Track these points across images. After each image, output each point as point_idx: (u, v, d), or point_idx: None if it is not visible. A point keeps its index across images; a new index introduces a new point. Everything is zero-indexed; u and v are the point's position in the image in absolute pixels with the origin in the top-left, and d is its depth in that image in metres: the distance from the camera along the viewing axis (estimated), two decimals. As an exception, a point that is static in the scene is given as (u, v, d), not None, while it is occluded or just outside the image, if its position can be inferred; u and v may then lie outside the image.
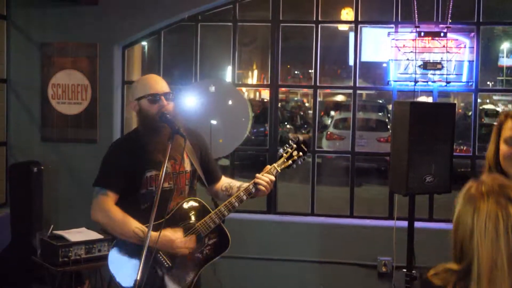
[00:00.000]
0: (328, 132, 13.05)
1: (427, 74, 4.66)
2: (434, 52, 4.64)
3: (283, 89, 22.92)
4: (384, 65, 4.98)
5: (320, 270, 4.92)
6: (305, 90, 23.76)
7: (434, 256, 4.49)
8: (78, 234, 4.06)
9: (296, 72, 25.11)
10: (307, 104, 21.51)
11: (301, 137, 3.03)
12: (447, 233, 5.10)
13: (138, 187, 2.81)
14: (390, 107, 13.61)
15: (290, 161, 2.94)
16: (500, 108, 18.34)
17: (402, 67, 4.75)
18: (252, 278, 4.95)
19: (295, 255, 4.92)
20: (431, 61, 4.61)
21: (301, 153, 2.95)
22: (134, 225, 2.69)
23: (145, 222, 2.68)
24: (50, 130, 5.08)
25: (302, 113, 18.92)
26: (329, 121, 15.01)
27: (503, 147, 2.28)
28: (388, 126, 12.24)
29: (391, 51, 4.76)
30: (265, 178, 2.85)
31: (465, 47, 4.69)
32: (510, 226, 1.55)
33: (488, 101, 21.13)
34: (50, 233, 4.14)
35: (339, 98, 23.88)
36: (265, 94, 17.90)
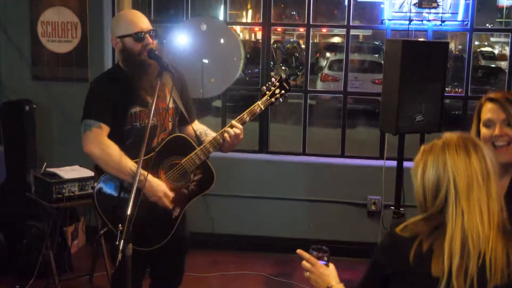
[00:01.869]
0: (323, 74, 12.99)
1: (422, 13, 4.61)
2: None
3: (279, 30, 22.68)
4: (382, 6, 4.91)
5: (310, 208, 5.01)
6: (301, 31, 23.59)
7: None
8: (71, 172, 4.11)
9: (292, 12, 24.73)
10: (303, 46, 21.26)
11: (283, 75, 3.03)
12: None
13: (123, 123, 2.81)
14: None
15: (273, 99, 2.99)
16: (497, 50, 18.20)
17: (397, 5, 4.69)
18: (243, 216, 5.05)
19: (286, 194, 5.00)
20: (426, -1, 4.55)
21: (283, 91, 3.01)
22: (131, 163, 2.71)
23: (129, 158, 2.73)
24: (41, 69, 5.03)
25: (297, 55, 18.73)
26: (325, 62, 14.89)
27: (483, 130, 2.25)
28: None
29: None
30: (232, 130, 2.85)
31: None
32: (479, 149, 1.71)
33: (486, 43, 20.93)
34: (43, 170, 4.18)
35: (336, 39, 23.62)
36: (260, 35, 17.66)
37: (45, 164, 4.25)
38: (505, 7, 15.23)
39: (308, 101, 5.33)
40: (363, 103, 11.40)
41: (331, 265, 2.08)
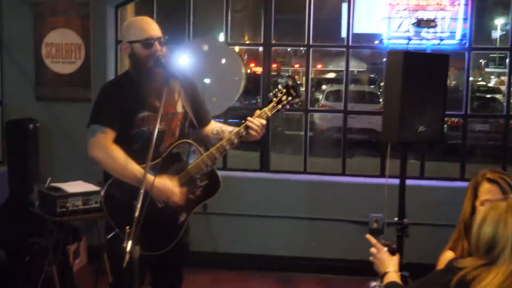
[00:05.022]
0: (320, 104, 13.12)
1: (420, 32, 4.70)
2: (428, 10, 4.68)
3: (274, 66, 23.10)
4: (376, 42, 4.99)
5: (311, 227, 5.01)
6: (297, 67, 23.96)
7: (425, 212, 4.60)
8: (75, 186, 4.11)
9: (288, 50, 25.12)
10: (298, 82, 21.57)
11: (290, 82, 3.00)
12: (437, 190, 5.17)
13: (130, 128, 2.81)
14: (381, 83, 13.72)
15: (279, 106, 2.96)
16: (492, 83, 18.37)
17: (395, 25, 4.79)
18: (245, 235, 5.05)
19: (288, 213, 5.01)
20: (425, 18, 4.64)
21: (290, 98, 2.97)
22: (135, 167, 2.70)
23: (137, 162, 2.71)
24: (44, 89, 5.09)
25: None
26: (321, 96, 15.02)
27: (480, 208, 2.33)
28: (380, 99, 12.28)
29: (385, 9, 4.80)
30: (256, 121, 2.85)
31: (459, 4, 4.72)
32: None
33: (480, 79, 21.18)
34: (48, 185, 4.19)
35: (330, 75, 23.97)
36: (256, 69, 17.88)
37: (50, 179, 4.25)
38: (498, 39, 15.51)
39: (308, 122, 5.40)
40: (360, 133, 11.47)
41: (396, 256, 2.24)
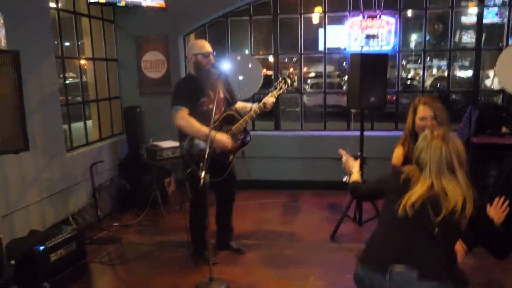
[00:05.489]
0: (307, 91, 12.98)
1: (368, 42, 4.64)
2: (373, 28, 4.60)
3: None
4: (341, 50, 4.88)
5: (307, 162, 5.05)
6: (291, 70, 23.72)
7: (375, 150, 4.61)
8: (166, 143, 4.21)
9: (285, 60, 24.71)
10: (293, 80, 21.13)
11: (285, 77, 3.12)
12: (381, 138, 5.04)
13: (196, 107, 2.88)
14: (344, 77, 13.56)
15: (280, 91, 3.07)
16: (410, 75, 17.87)
17: (353, 39, 4.73)
18: (267, 168, 5.10)
19: (292, 154, 5.05)
20: (371, 34, 4.58)
21: (286, 86, 3.09)
22: (204, 128, 2.77)
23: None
24: (144, 88, 5.15)
25: (292, 78, 18.66)
26: (307, 86, 14.83)
27: (418, 122, 2.25)
28: (343, 87, 12.12)
29: (347, 29, 4.72)
30: (269, 99, 2.97)
31: (391, 25, 4.64)
32: (454, 143, 1.69)
33: (403, 72, 20.56)
34: (150, 144, 4.30)
35: (312, 74, 23.57)
36: (267, 72, 17.59)
37: (151, 140, 4.35)
38: (414, 46, 15.03)
39: (302, 101, 5.40)
40: (332, 107, 11.34)
41: (358, 160, 2.18)
